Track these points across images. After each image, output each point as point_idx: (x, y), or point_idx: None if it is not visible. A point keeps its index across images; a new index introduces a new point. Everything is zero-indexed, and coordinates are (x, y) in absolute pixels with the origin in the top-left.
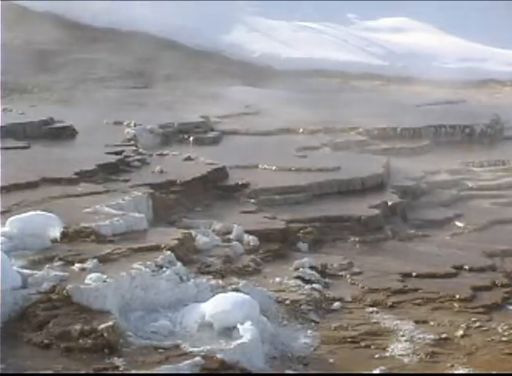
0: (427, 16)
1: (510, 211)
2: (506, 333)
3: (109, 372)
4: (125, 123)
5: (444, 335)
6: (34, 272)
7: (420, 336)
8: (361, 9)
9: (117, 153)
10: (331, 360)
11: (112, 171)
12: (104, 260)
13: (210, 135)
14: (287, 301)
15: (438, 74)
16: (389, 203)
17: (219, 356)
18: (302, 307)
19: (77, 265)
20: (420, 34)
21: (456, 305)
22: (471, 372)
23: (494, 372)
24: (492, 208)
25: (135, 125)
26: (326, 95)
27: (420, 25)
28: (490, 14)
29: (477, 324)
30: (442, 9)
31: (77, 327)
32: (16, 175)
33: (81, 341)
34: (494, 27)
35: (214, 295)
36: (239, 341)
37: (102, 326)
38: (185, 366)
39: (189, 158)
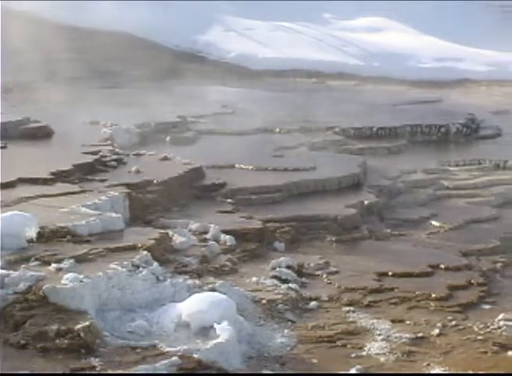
0: (403, 16)
1: (486, 210)
2: (481, 332)
3: (87, 372)
4: (102, 123)
5: (420, 334)
6: (11, 272)
7: (397, 335)
8: (337, 9)
9: (93, 153)
10: (308, 360)
11: (88, 171)
12: (81, 260)
13: (187, 134)
14: (264, 301)
15: (414, 74)
16: (365, 202)
17: (196, 355)
18: (279, 306)
19: (53, 266)
20: (396, 34)
21: (432, 304)
22: (447, 371)
23: (470, 371)
24: (467, 207)
25: (111, 125)
26: (302, 95)
27: (396, 25)
28: (465, 14)
29: (453, 323)
30: (418, 10)
31: (54, 327)
32: None
33: (57, 341)
34: (469, 27)
35: (190, 295)
36: (215, 341)
37: (79, 326)
38: (161, 366)
39: (165, 158)
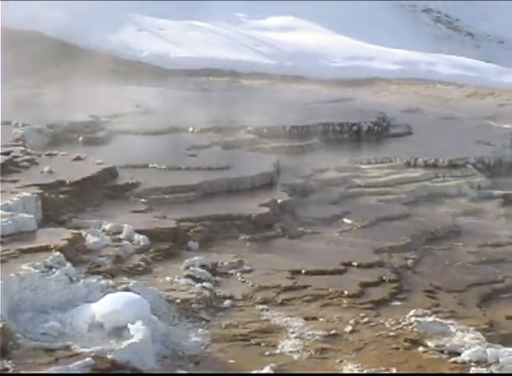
0: (315, 16)
1: (397, 208)
2: (393, 328)
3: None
4: (13, 123)
5: (333, 331)
6: None
7: (310, 332)
8: (249, 9)
9: (4, 154)
10: (222, 358)
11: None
12: None
13: (100, 134)
14: (178, 300)
15: (325, 73)
16: (279, 201)
17: (110, 356)
18: (193, 306)
19: None
20: (308, 33)
21: (344, 301)
22: (360, 368)
23: (382, 368)
24: (379, 205)
25: (23, 125)
26: (216, 94)
27: (308, 24)
28: (377, 14)
29: (366, 320)
30: (330, 9)
31: None
32: None
33: None
34: (380, 26)
35: (104, 295)
36: (129, 341)
37: None
38: (75, 367)
39: (78, 158)
